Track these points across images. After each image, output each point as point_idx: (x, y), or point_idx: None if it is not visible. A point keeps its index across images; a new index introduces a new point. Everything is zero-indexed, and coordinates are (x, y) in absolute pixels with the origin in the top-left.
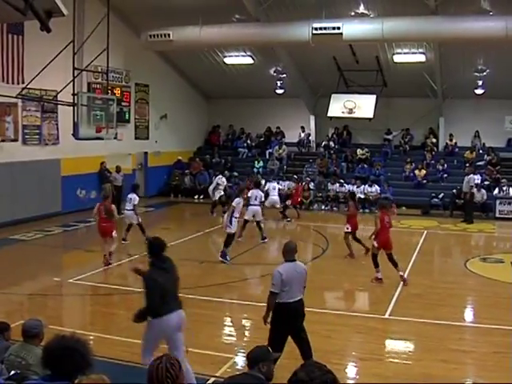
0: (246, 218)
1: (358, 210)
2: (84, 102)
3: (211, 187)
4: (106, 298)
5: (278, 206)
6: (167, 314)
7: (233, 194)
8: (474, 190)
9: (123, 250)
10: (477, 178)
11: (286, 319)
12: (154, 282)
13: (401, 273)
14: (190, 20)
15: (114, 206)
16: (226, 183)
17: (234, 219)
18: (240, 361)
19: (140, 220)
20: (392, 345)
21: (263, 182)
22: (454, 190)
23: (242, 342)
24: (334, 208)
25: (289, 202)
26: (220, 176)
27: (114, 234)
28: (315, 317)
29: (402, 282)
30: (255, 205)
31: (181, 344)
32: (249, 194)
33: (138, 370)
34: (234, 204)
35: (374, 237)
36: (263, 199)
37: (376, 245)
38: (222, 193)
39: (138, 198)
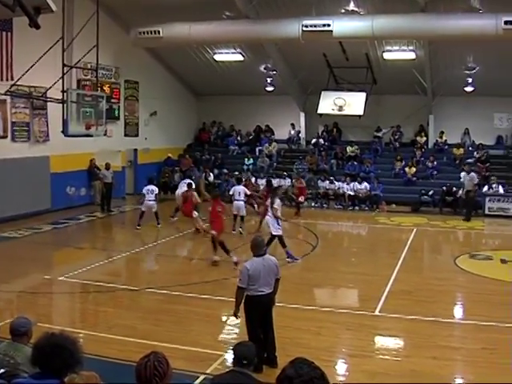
0: (234, 213)
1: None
2: (73, 98)
3: (179, 191)
4: (95, 295)
5: (243, 213)
6: None
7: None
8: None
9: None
10: (477, 176)
11: (255, 311)
12: None
13: (216, 257)
14: (179, 17)
15: None
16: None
17: (279, 221)
18: (230, 358)
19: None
20: (381, 341)
21: (253, 179)
22: (444, 187)
23: (231, 339)
24: (324, 205)
25: (302, 199)
26: (186, 180)
27: None
28: (305, 314)
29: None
30: (239, 200)
31: None
32: (231, 192)
33: (127, 367)
34: (276, 206)
35: (210, 225)
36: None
37: (214, 232)
38: None
39: (156, 189)
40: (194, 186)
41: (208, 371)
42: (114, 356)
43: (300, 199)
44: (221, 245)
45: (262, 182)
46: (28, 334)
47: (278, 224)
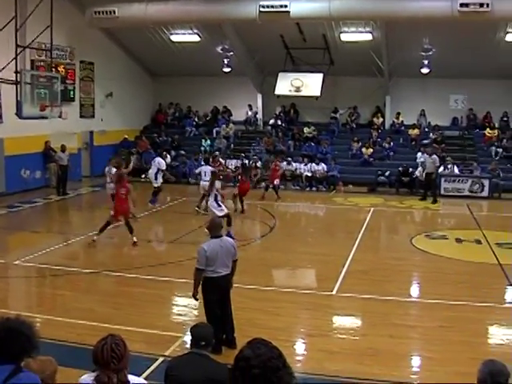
0: (201, 192)
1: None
2: (27, 80)
3: (152, 171)
4: (52, 279)
5: None
6: None
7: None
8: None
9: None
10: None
11: (213, 293)
12: None
13: (134, 238)
14: None
15: None
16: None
17: (219, 202)
18: (188, 340)
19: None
20: (339, 321)
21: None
22: (400, 168)
23: (190, 321)
24: (282, 186)
25: (277, 182)
26: (159, 159)
27: None
28: (262, 294)
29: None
30: (205, 181)
31: None
32: (196, 171)
33: (84, 351)
34: (217, 186)
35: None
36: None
37: (112, 213)
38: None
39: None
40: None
41: (166, 353)
42: (72, 340)
43: (275, 182)
44: (105, 225)
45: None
46: None
47: (219, 205)
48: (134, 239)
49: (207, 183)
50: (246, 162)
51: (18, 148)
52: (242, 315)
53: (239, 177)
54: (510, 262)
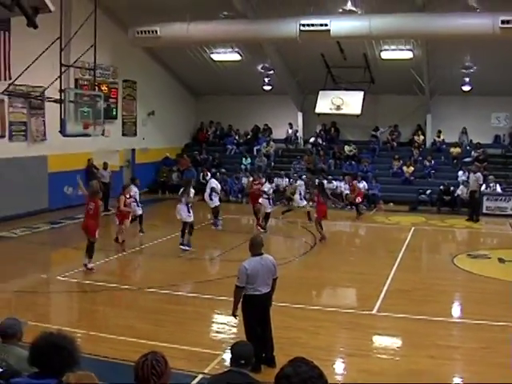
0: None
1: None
2: (71, 98)
3: (206, 193)
4: (92, 294)
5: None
6: None
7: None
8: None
9: (108, 246)
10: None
11: (253, 311)
12: None
13: (89, 264)
14: (177, 16)
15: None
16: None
17: (190, 207)
18: (228, 357)
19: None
20: (379, 341)
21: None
22: (442, 186)
23: (230, 339)
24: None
25: (359, 199)
26: (213, 180)
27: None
28: (303, 313)
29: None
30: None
31: None
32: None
33: (124, 367)
34: (191, 195)
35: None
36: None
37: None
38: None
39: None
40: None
41: (206, 371)
42: (112, 356)
43: (357, 200)
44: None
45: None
46: (17, 334)
47: (189, 211)
48: (89, 265)
49: (265, 201)
50: (325, 181)
51: (62, 165)
52: (282, 334)
53: (316, 198)
54: None
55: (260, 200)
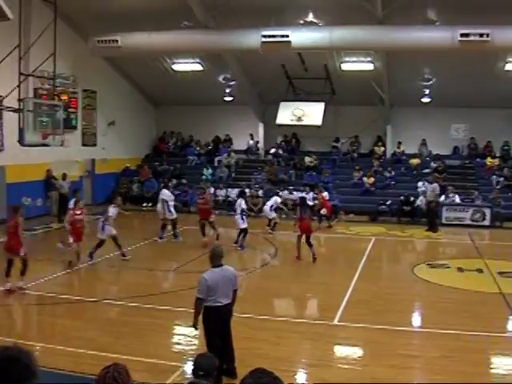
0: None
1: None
2: (30, 107)
3: (160, 205)
4: (52, 307)
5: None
6: None
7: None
8: (440, 198)
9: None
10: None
11: (214, 322)
12: None
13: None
14: (138, 26)
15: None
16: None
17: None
18: (189, 369)
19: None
20: (341, 351)
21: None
22: (402, 197)
23: (191, 350)
24: (283, 215)
25: (324, 211)
26: (164, 190)
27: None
28: (264, 324)
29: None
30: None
31: None
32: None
33: (86, 380)
34: (110, 214)
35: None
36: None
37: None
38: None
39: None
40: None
41: (167, 383)
42: (72, 369)
43: (323, 211)
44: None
45: (221, 193)
46: None
47: (103, 229)
48: (20, 284)
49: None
50: (309, 195)
51: (20, 176)
52: (243, 345)
53: (298, 213)
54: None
55: (211, 218)
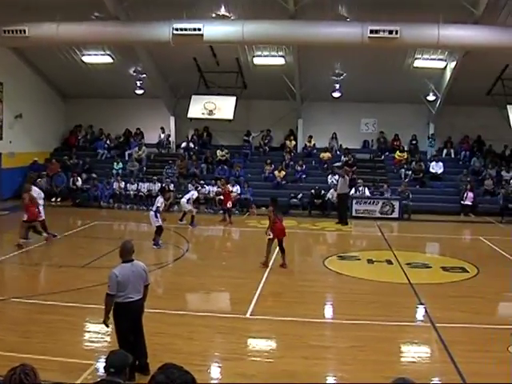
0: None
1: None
2: None
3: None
4: None
5: None
6: None
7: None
8: (352, 191)
9: None
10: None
11: (125, 318)
12: None
13: None
14: (47, 16)
15: None
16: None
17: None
18: (101, 367)
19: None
20: (254, 344)
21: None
22: (313, 190)
23: (103, 348)
24: (195, 209)
25: (229, 205)
26: (33, 187)
27: None
28: (176, 319)
29: None
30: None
31: None
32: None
33: None
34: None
35: None
36: None
37: None
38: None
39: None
40: None
41: (78, 382)
42: None
43: (228, 205)
44: None
45: (132, 188)
46: None
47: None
48: None
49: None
50: (198, 186)
51: None
52: (155, 340)
53: (271, 216)
54: (419, 281)
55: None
